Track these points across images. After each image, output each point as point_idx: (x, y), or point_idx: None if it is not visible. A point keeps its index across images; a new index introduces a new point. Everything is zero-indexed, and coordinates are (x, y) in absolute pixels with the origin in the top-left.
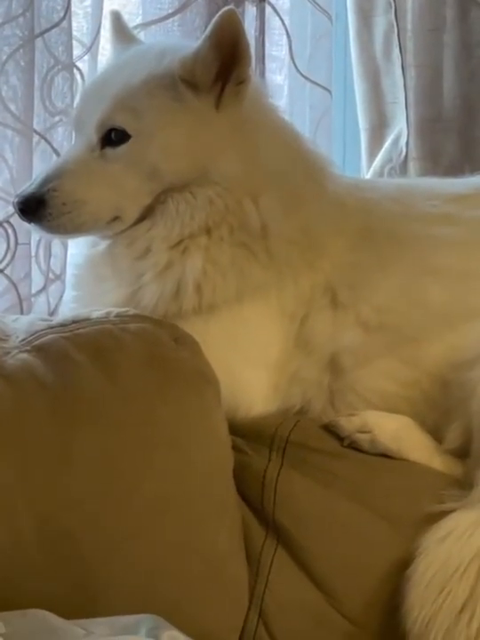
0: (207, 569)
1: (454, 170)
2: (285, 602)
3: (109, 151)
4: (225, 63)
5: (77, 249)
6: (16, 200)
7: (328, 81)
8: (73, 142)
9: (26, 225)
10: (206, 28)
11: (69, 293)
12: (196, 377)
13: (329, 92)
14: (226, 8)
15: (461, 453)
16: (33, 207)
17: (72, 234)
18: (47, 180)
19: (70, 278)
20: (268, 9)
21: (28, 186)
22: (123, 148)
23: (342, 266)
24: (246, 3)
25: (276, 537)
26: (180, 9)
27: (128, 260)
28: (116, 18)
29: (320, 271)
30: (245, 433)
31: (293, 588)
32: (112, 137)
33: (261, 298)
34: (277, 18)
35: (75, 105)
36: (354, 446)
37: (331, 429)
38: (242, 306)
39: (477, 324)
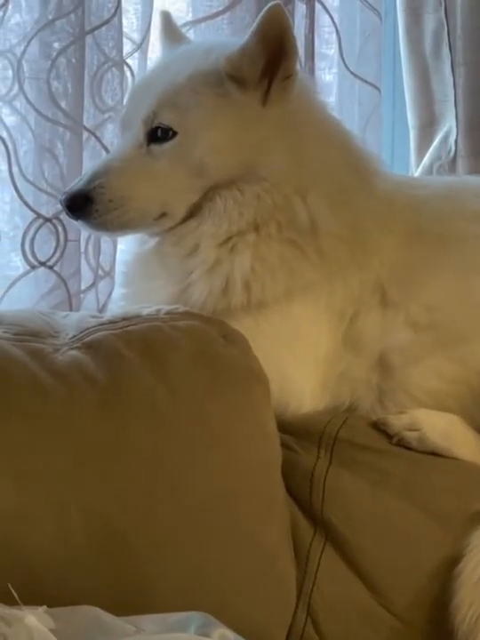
0: (256, 566)
1: None
2: (333, 599)
3: (155, 148)
4: (271, 58)
5: (126, 246)
6: (63, 197)
7: (377, 79)
8: (120, 140)
9: (75, 222)
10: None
11: (118, 291)
12: (246, 374)
13: (378, 89)
14: (272, 3)
15: None
16: (80, 204)
17: (120, 231)
18: (94, 177)
19: (119, 276)
20: (318, 6)
21: (75, 183)
22: (169, 145)
23: (392, 264)
24: (296, 0)
25: (325, 534)
26: (230, 6)
27: (176, 258)
28: (166, 18)
29: (369, 269)
30: (294, 430)
31: (341, 585)
32: (158, 134)
33: (311, 296)
34: (327, 15)
35: (124, 103)
36: (403, 444)
37: (379, 427)
38: (291, 304)
39: None
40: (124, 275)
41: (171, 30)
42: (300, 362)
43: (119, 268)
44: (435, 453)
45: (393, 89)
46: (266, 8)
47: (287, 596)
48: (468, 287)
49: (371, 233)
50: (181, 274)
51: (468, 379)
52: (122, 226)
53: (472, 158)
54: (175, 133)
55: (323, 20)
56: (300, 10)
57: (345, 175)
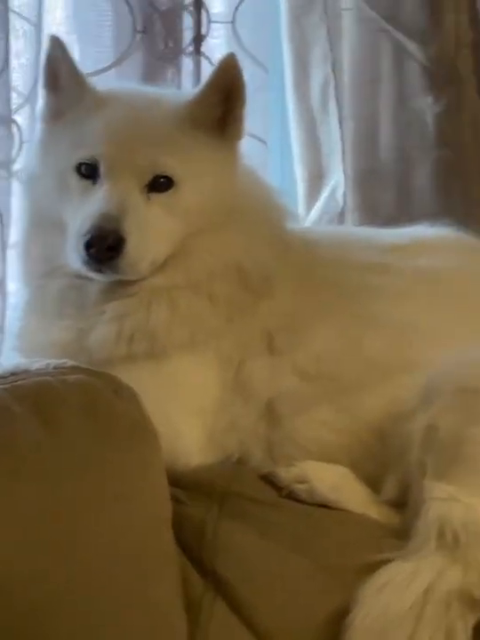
0: (148, 621)
1: (391, 221)
2: None
3: (155, 196)
4: (227, 104)
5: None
6: (96, 234)
7: (264, 133)
8: (107, 186)
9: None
10: (141, 80)
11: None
12: (136, 429)
13: (265, 143)
14: (227, 54)
15: (399, 504)
16: (115, 245)
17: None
18: (111, 220)
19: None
20: (205, 62)
21: (92, 226)
22: (169, 193)
23: (281, 311)
24: (183, 56)
25: (216, 588)
26: (117, 62)
27: (98, 297)
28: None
29: (258, 315)
30: (185, 484)
31: (233, 638)
32: (159, 182)
33: (206, 344)
34: None
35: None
36: (292, 497)
37: (269, 479)
38: (190, 353)
39: (415, 375)
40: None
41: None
42: (189, 413)
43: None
44: (325, 505)
45: (281, 142)
46: (221, 59)
47: None
48: (356, 338)
49: (272, 281)
50: (92, 314)
51: (356, 430)
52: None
53: (360, 211)
54: (173, 182)
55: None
56: (187, 65)
57: (272, 222)
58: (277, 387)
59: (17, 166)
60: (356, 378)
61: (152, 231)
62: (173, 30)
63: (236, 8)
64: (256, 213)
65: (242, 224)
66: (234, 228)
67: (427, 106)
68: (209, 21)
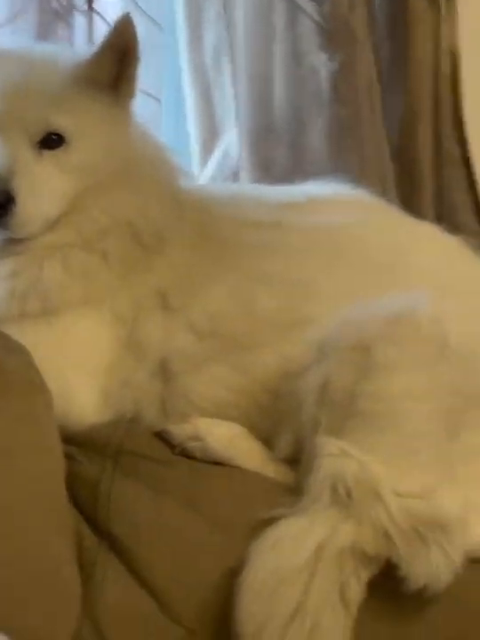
0: (39, 576)
1: (285, 178)
2: (118, 610)
3: (47, 153)
4: (122, 63)
5: None
6: None
7: (158, 91)
8: None
9: None
10: (35, 36)
11: None
12: (27, 386)
13: (158, 101)
14: (123, 14)
15: (293, 461)
16: (3, 202)
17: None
18: (1, 178)
19: None
20: (97, 18)
21: None
22: (61, 150)
23: (175, 269)
24: (75, 12)
25: (110, 546)
26: (10, 19)
27: None
28: None
29: (154, 273)
30: (79, 441)
31: (127, 596)
32: (51, 139)
33: (101, 302)
34: (106, 27)
35: None
36: (186, 454)
37: (163, 437)
38: (83, 311)
39: (307, 332)
40: None
41: None
42: (83, 371)
43: None
44: (218, 463)
45: (175, 101)
46: (117, 19)
47: (71, 606)
48: (249, 295)
49: (165, 237)
50: None
51: (250, 388)
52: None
53: (254, 169)
54: (65, 139)
55: (102, 31)
56: (80, 22)
57: (163, 180)
58: (171, 344)
59: None
60: (249, 335)
61: (43, 189)
62: None
63: None
64: (148, 171)
65: (134, 182)
66: (126, 186)
67: (321, 64)
68: None
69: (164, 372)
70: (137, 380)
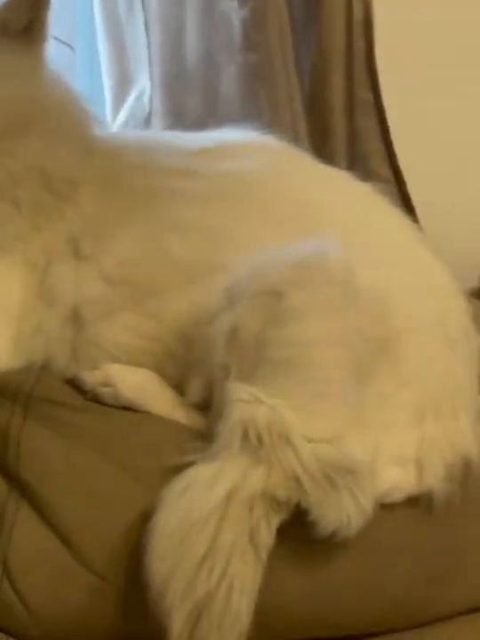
0: None
1: (197, 125)
2: (30, 557)
3: None
4: (35, 7)
5: None
6: None
7: (71, 37)
8: None
9: None
10: None
11: None
12: None
13: (72, 48)
14: None
15: (203, 407)
16: None
17: None
18: None
19: None
20: None
21: None
22: None
23: (87, 216)
24: None
25: (21, 492)
26: None
27: None
28: None
29: (65, 220)
30: None
31: (38, 543)
32: None
33: (12, 249)
34: None
35: None
36: (97, 400)
37: (74, 383)
38: None
39: (216, 278)
40: None
41: None
42: None
43: None
44: (129, 409)
45: (89, 48)
46: None
47: None
48: (160, 243)
49: (75, 183)
50: None
51: (161, 335)
52: None
53: (166, 116)
54: None
55: None
56: None
57: (73, 124)
58: (83, 292)
59: None
60: (160, 282)
61: None
62: None
63: None
64: (60, 118)
65: (45, 128)
66: (37, 132)
67: (233, 10)
68: None
69: (76, 319)
70: (49, 328)
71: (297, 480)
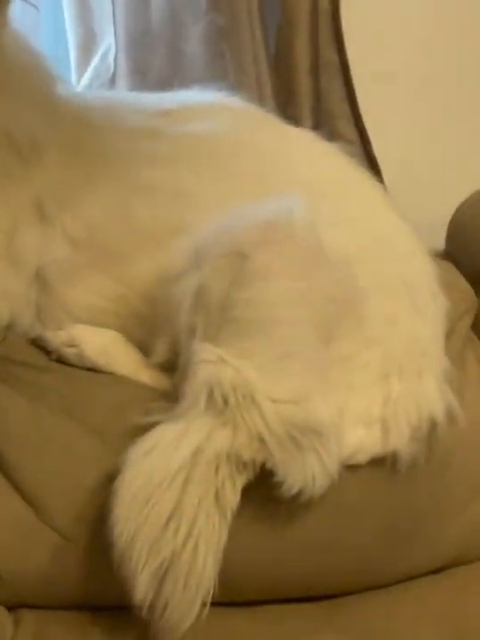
0: None
1: (163, 85)
2: None
3: None
4: None
5: None
6: None
7: None
8: None
9: None
10: None
11: None
12: None
13: (37, 8)
14: None
15: (169, 368)
16: None
17: None
18: None
19: None
20: None
21: None
22: None
23: (52, 179)
24: None
25: None
26: None
27: None
28: None
29: (31, 183)
30: None
31: (2, 503)
32: None
33: None
34: None
35: None
36: (62, 360)
37: (39, 344)
38: None
39: (182, 240)
40: None
41: None
42: None
43: None
44: (94, 369)
45: (54, 7)
46: None
47: None
48: (124, 205)
49: (42, 146)
50: None
51: (126, 296)
52: None
53: (131, 76)
54: None
55: None
56: None
57: (35, 84)
58: (48, 254)
59: None
60: (125, 244)
61: None
62: None
63: None
64: (23, 79)
65: (8, 89)
66: (1, 95)
67: None
68: None
69: (41, 281)
70: (14, 290)
71: (262, 440)
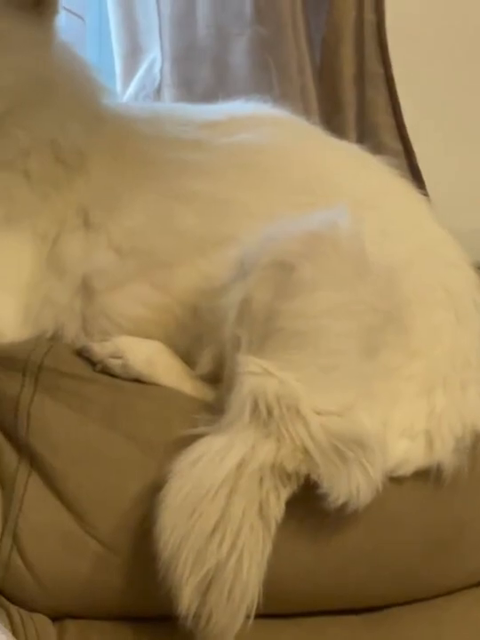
0: None
1: (208, 97)
2: (38, 526)
3: None
4: None
5: None
6: None
7: (81, 8)
8: None
9: None
10: None
11: None
12: None
13: (82, 19)
14: None
15: (213, 379)
16: None
17: None
18: None
19: None
20: None
21: None
22: None
23: (96, 187)
24: None
25: (30, 462)
26: None
27: None
28: None
29: (75, 191)
30: None
31: (47, 512)
32: None
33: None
34: None
35: None
36: (106, 371)
37: (84, 354)
38: (6, 231)
39: (227, 250)
40: None
41: None
42: (4, 289)
43: None
44: (138, 380)
45: (99, 18)
46: None
47: None
48: (169, 213)
49: (85, 154)
50: None
51: (170, 306)
52: None
53: (177, 87)
54: None
55: None
56: None
57: (81, 96)
58: (92, 262)
59: None
60: (169, 253)
61: None
62: None
63: None
64: (70, 89)
65: (55, 99)
66: (47, 104)
67: None
68: None
69: (85, 290)
70: (58, 299)
71: (306, 452)
